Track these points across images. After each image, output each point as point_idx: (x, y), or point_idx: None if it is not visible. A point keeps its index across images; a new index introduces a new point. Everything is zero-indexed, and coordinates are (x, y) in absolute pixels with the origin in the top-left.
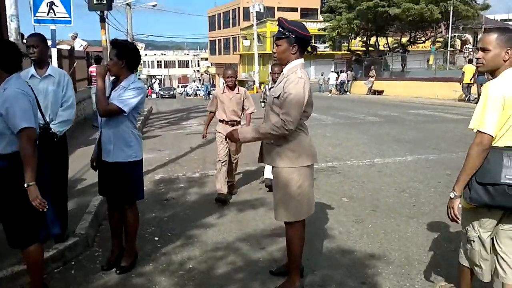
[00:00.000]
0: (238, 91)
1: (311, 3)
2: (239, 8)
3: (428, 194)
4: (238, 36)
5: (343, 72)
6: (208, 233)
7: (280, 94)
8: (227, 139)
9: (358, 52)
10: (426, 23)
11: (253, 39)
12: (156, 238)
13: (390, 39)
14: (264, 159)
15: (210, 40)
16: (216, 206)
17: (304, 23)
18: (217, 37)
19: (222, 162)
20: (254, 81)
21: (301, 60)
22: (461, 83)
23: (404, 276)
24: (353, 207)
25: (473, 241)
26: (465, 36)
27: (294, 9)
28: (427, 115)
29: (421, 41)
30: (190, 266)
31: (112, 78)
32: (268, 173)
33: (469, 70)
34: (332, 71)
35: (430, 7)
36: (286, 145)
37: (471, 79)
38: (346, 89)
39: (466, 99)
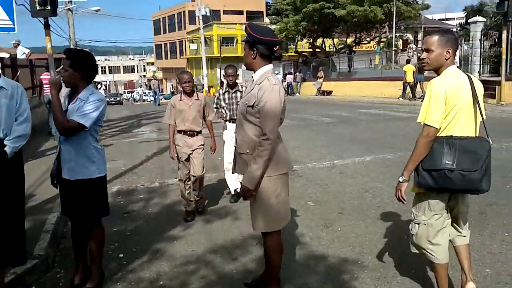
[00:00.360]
0: (198, 97)
1: (256, 6)
2: (184, 11)
3: (391, 194)
4: (185, 40)
5: (290, 74)
6: (176, 246)
7: (254, 102)
8: (245, 198)
9: (305, 53)
10: (370, 24)
11: (200, 42)
12: (121, 255)
13: (336, 40)
14: (238, 169)
15: (155, 45)
16: (181, 217)
17: None
18: (163, 41)
19: (185, 182)
20: (202, 85)
21: (270, 66)
22: (404, 82)
23: (381, 280)
24: (319, 211)
25: (419, 225)
26: (406, 35)
27: (240, 12)
28: (377, 114)
29: (366, 42)
30: (161, 283)
31: (67, 90)
32: (234, 184)
33: (409, 69)
34: (277, 73)
35: (373, 9)
36: None
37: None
38: (294, 91)
39: (402, 97)
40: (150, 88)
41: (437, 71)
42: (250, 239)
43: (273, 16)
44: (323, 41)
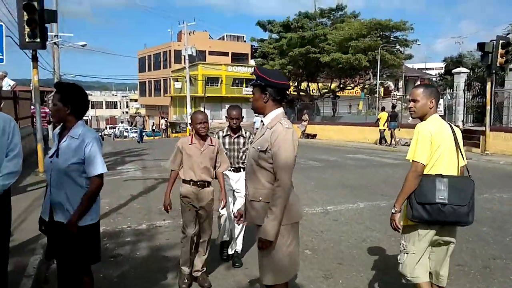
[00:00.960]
0: (212, 143)
1: (241, 48)
2: (170, 50)
3: (390, 244)
4: (169, 78)
5: None
6: None
7: (267, 147)
8: (261, 249)
9: (290, 97)
10: (354, 71)
11: (185, 81)
12: None
13: (320, 85)
14: (250, 218)
15: (140, 82)
16: (172, 264)
17: (236, 67)
18: (147, 78)
19: (191, 240)
20: (186, 123)
21: (281, 109)
22: (379, 128)
23: None
24: (317, 260)
25: (407, 255)
26: (387, 83)
27: (225, 54)
28: (364, 159)
29: (350, 87)
30: None
31: (57, 126)
32: (238, 243)
33: (383, 116)
34: (257, 115)
35: (358, 56)
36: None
37: (384, 124)
38: None
39: (379, 142)
40: (131, 124)
41: (422, 118)
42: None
43: (259, 59)
44: (307, 85)
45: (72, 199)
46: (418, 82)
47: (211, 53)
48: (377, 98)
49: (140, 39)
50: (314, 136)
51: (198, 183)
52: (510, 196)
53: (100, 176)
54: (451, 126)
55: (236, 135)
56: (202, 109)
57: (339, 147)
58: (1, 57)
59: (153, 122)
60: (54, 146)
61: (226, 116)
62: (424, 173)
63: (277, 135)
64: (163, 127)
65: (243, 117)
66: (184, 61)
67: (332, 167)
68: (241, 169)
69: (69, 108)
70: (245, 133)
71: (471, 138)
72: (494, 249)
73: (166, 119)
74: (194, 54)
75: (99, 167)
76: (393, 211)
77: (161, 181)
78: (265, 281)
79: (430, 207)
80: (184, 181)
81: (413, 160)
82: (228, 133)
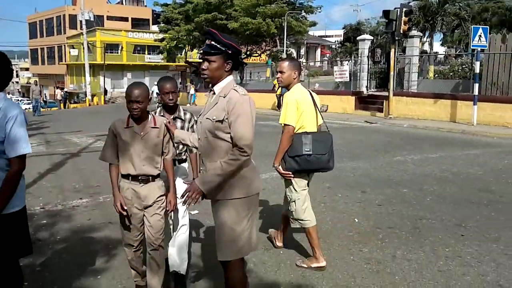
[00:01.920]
0: (155, 124)
1: (142, 13)
2: (64, 15)
3: (321, 210)
4: (64, 45)
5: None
6: (102, 281)
7: (224, 117)
8: (188, 199)
9: (195, 64)
10: (261, 38)
11: (83, 48)
12: None
13: None
14: (211, 195)
15: (31, 49)
16: (100, 246)
17: (137, 33)
18: (40, 45)
19: (135, 248)
20: (85, 93)
21: (232, 77)
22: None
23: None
24: None
25: (295, 202)
26: (290, 50)
27: (125, 19)
28: (277, 126)
29: (257, 55)
30: None
31: None
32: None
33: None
34: (156, 84)
35: (267, 22)
36: (240, 172)
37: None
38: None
39: (277, 107)
40: (23, 96)
41: (288, 87)
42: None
43: (163, 25)
44: None
45: None
46: (319, 50)
47: (109, 18)
48: None
49: (30, 2)
50: None
51: (139, 177)
52: (421, 157)
53: (23, 157)
54: (310, 92)
55: (172, 116)
56: (101, 78)
57: None
58: None
59: (45, 93)
60: None
61: (157, 93)
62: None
63: (234, 103)
64: (59, 97)
65: (179, 92)
66: (81, 27)
67: None
68: (177, 162)
69: None
70: (184, 114)
71: (375, 103)
72: (418, 210)
73: (63, 88)
74: (92, 19)
75: (21, 147)
76: (275, 166)
77: (69, 156)
78: (222, 256)
79: (299, 159)
80: (123, 176)
81: (284, 124)
82: (162, 114)
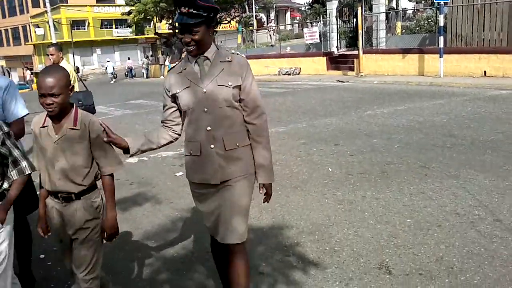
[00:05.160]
0: (75, 124)
1: None
2: None
3: (297, 163)
4: (29, 25)
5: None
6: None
7: (239, 81)
8: (268, 197)
9: (165, 35)
10: (230, 4)
11: (48, 27)
12: (42, 256)
13: None
14: (229, 174)
15: None
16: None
17: (103, 7)
18: (3, 26)
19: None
20: None
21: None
22: None
23: (320, 241)
24: None
25: None
26: (260, 15)
27: None
28: None
29: (226, 21)
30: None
31: None
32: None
33: None
34: (108, 60)
35: None
36: (247, 146)
37: None
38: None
39: None
40: None
41: None
42: (175, 220)
43: None
44: None
45: None
46: (289, 13)
47: None
48: (255, 31)
49: None
50: None
51: (58, 194)
52: (390, 110)
53: (22, 119)
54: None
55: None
56: (71, 56)
57: None
58: None
59: (11, 75)
60: None
61: (111, 72)
62: None
63: (245, 66)
64: (29, 78)
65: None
66: (44, 5)
67: None
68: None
69: None
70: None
71: (346, 62)
72: (387, 157)
73: (32, 69)
74: None
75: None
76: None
77: None
78: (237, 238)
79: None
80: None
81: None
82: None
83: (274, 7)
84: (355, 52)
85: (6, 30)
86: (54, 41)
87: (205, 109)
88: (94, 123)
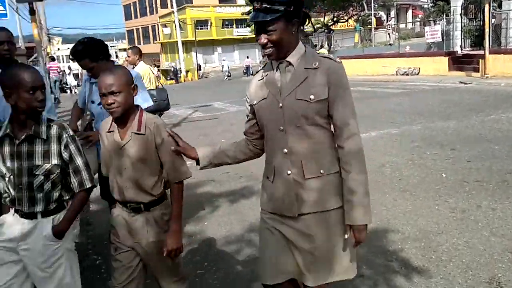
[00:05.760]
0: (139, 129)
1: None
2: None
3: (409, 167)
4: (157, 24)
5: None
6: (208, 226)
7: (326, 94)
8: (358, 243)
9: None
10: (348, 2)
11: (175, 26)
12: None
13: (313, 20)
14: (309, 206)
15: (127, 30)
16: (205, 199)
17: (224, 7)
18: (135, 26)
19: None
20: (179, 69)
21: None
22: None
23: (426, 249)
24: None
25: None
26: (379, 13)
27: None
28: (367, 91)
29: (344, 20)
30: (206, 264)
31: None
32: None
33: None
34: (224, 59)
35: None
36: (337, 173)
37: None
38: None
39: None
40: None
41: None
42: None
43: None
44: None
45: None
46: (410, 11)
47: None
48: (373, 29)
49: None
50: None
51: (127, 204)
52: None
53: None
54: None
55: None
56: (194, 54)
57: None
58: (4, 11)
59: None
60: (95, 93)
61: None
62: None
63: (336, 73)
64: (156, 74)
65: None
66: (171, 5)
67: None
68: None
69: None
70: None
71: (470, 62)
72: (509, 165)
73: (159, 66)
74: None
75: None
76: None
77: (171, 126)
78: (349, 274)
79: None
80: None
81: None
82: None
83: (394, 5)
84: (481, 52)
85: (138, 30)
86: (179, 40)
87: (281, 128)
88: (159, 127)
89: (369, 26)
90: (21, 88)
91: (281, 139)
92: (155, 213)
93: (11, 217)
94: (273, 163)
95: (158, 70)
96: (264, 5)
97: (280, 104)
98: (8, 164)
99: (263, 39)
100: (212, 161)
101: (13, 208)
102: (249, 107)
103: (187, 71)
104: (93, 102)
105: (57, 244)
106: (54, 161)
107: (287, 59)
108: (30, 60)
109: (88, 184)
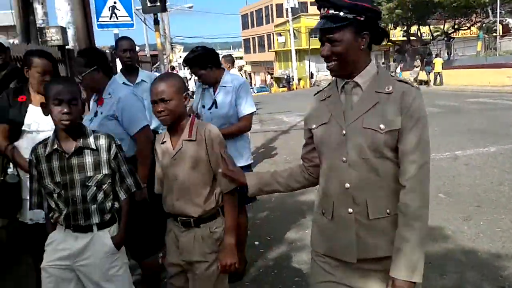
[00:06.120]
0: (190, 135)
1: None
2: (271, 5)
3: None
4: (272, 33)
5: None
6: (308, 234)
7: (399, 123)
8: None
9: (398, 42)
10: (470, 9)
11: (289, 35)
12: (256, 243)
13: (431, 28)
14: (369, 249)
15: (244, 39)
16: (308, 207)
17: None
18: (251, 35)
19: None
20: (292, 77)
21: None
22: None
23: None
24: (453, 203)
25: None
26: (506, 20)
27: None
28: (488, 103)
29: (466, 27)
30: (305, 272)
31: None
32: None
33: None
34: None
35: None
36: None
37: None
38: None
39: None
40: None
41: None
42: None
43: None
44: (418, 28)
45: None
46: None
47: (312, 3)
48: (498, 38)
49: None
50: (426, 82)
51: (178, 218)
52: None
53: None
54: None
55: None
56: (307, 62)
57: (457, 92)
58: (131, 22)
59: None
60: (209, 99)
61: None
62: None
63: (409, 98)
64: (269, 82)
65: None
66: (287, 15)
67: (454, 112)
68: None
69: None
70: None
71: None
72: None
73: (272, 74)
74: (296, 6)
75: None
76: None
77: (280, 133)
78: None
79: None
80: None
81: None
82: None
83: None
84: None
85: (254, 38)
86: (293, 48)
87: (344, 159)
88: (211, 132)
89: (494, 34)
90: (48, 100)
91: (342, 171)
92: (204, 230)
93: (61, 234)
94: (331, 197)
95: (271, 78)
96: (331, 11)
97: (344, 132)
98: (58, 179)
99: (326, 50)
100: (263, 189)
101: (64, 225)
102: (307, 131)
103: (299, 79)
104: (203, 106)
105: (115, 256)
106: (105, 170)
107: (355, 79)
108: (154, 67)
109: (133, 188)
